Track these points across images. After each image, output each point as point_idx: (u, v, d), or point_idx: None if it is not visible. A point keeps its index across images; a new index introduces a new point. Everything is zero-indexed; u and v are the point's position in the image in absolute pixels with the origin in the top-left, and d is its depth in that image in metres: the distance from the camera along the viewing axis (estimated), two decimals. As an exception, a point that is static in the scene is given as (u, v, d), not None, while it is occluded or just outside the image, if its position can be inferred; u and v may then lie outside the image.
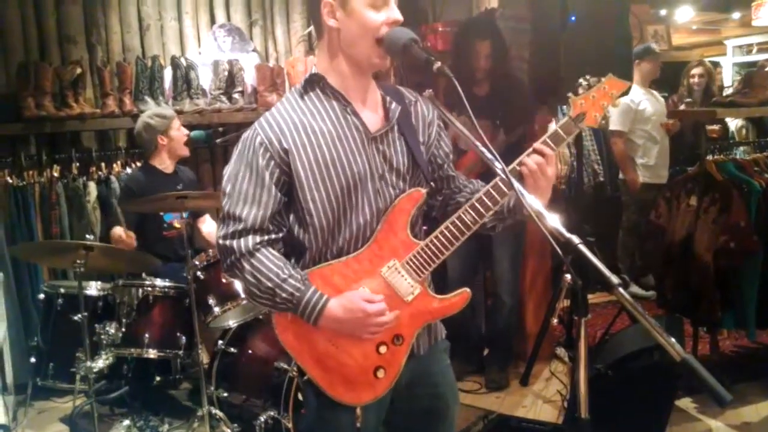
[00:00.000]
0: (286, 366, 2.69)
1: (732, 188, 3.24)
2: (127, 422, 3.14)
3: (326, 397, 1.56)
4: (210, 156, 4.51)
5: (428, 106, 1.67)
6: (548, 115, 3.67)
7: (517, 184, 1.42)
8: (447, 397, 1.72)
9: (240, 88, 4.29)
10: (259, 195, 1.51)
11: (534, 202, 1.41)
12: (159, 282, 3.15)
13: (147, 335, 3.05)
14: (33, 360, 3.26)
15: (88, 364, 2.85)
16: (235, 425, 2.92)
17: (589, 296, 1.32)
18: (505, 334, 3.67)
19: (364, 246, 1.55)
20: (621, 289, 1.21)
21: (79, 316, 2.84)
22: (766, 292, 3.28)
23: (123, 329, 3.06)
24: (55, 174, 3.85)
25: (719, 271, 3.22)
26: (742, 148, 4.44)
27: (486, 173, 1.59)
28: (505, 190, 1.51)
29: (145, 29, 4.27)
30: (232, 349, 3.01)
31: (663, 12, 6.37)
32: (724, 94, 4.71)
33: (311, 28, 4.46)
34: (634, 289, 4.88)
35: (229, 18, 4.52)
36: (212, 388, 2.98)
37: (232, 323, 3.15)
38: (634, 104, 4.64)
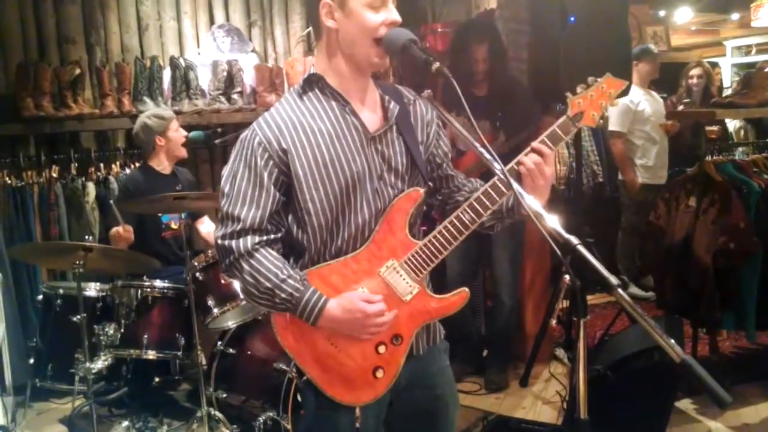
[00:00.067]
0: (285, 367, 2.68)
1: (731, 189, 3.24)
2: (126, 423, 3.13)
3: (325, 398, 1.56)
4: (209, 156, 4.52)
5: (427, 106, 1.67)
6: (555, 118, 3.67)
7: (515, 185, 1.42)
8: (446, 397, 1.72)
9: (239, 89, 4.29)
10: (258, 195, 1.51)
11: (533, 203, 1.41)
12: (158, 283, 3.14)
13: (146, 336, 3.05)
14: (32, 361, 3.25)
15: (87, 365, 2.84)
16: (234, 426, 2.92)
17: (589, 297, 1.32)
18: (505, 335, 3.67)
19: (362, 246, 1.55)
20: (620, 290, 1.21)
21: (78, 317, 2.84)
22: (766, 293, 3.28)
23: (122, 330, 3.06)
24: (54, 174, 3.85)
25: (719, 272, 3.22)
26: (740, 149, 4.44)
27: (485, 174, 1.59)
28: (504, 189, 1.51)
29: (144, 30, 4.27)
30: (231, 350, 3.01)
31: (662, 13, 6.37)
32: (724, 95, 4.71)
33: (310, 28, 4.47)
34: (634, 290, 4.88)
35: (228, 18, 4.53)
36: (211, 389, 2.97)
37: (231, 324, 3.15)
38: (633, 105, 4.65)
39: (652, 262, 3.74)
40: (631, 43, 3.53)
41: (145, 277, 3.18)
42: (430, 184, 1.67)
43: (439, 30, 4.38)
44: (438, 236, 1.53)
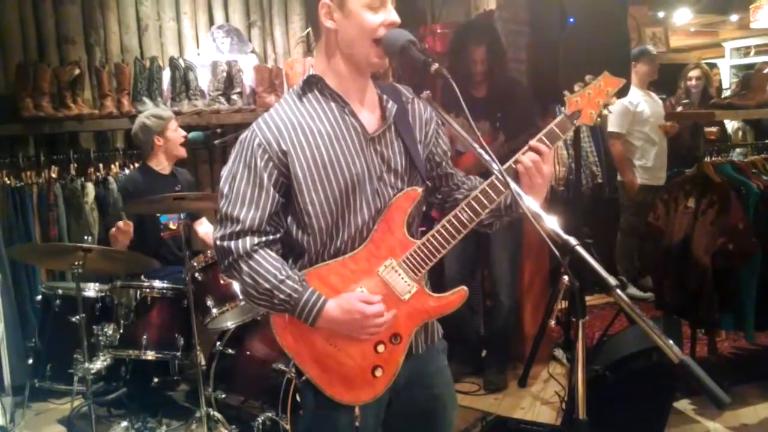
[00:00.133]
0: (284, 367, 2.68)
1: (730, 190, 3.24)
2: (125, 424, 3.13)
3: (325, 397, 1.56)
4: (208, 157, 4.52)
5: (426, 105, 1.67)
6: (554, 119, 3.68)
7: (514, 186, 1.42)
8: (444, 397, 1.72)
9: (238, 89, 4.29)
10: (257, 196, 1.51)
11: (532, 204, 1.41)
12: (157, 283, 3.14)
13: (145, 337, 3.05)
14: (31, 361, 3.25)
15: (86, 365, 2.84)
16: (233, 427, 2.92)
17: (587, 298, 1.32)
18: (504, 335, 3.68)
19: (361, 245, 1.55)
20: (619, 291, 1.21)
21: (77, 317, 2.84)
22: (765, 293, 3.28)
23: (121, 330, 3.06)
24: (53, 175, 3.85)
25: (717, 273, 3.22)
26: (738, 150, 4.45)
27: (484, 174, 1.59)
28: (502, 188, 1.52)
29: (144, 30, 4.27)
30: (230, 351, 3.01)
31: (661, 14, 6.38)
32: (723, 96, 4.71)
33: (309, 29, 4.47)
34: (632, 290, 4.89)
35: (227, 19, 4.52)
36: (210, 390, 2.97)
37: (230, 324, 3.15)
38: (632, 106, 4.65)
39: (651, 263, 3.74)
40: (630, 44, 3.54)
41: (143, 277, 3.18)
42: (429, 183, 1.67)
43: (438, 31, 4.38)
44: (436, 235, 1.53)
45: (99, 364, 2.93)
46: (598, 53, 3.03)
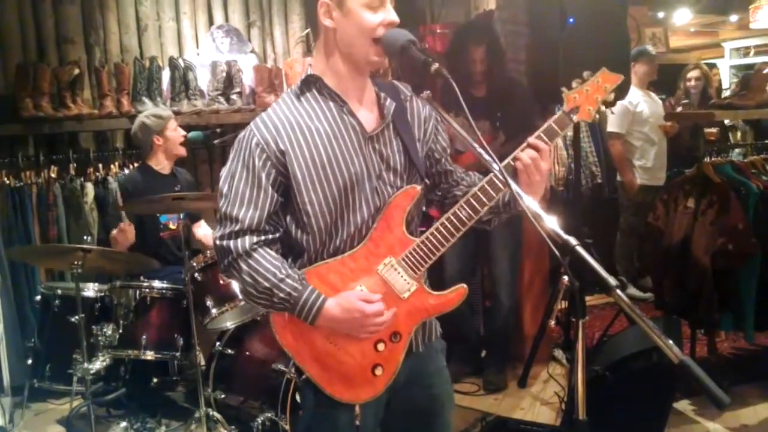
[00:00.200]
0: (283, 368, 2.68)
1: (730, 190, 3.24)
2: (124, 424, 3.13)
3: (325, 396, 1.56)
4: (208, 157, 4.52)
5: (425, 103, 1.67)
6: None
7: (514, 185, 1.42)
8: (442, 397, 1.72)
9: (238, 89, 4.29)
10: (256, 196, 1.50)
11: (531, 203, 1.40)
12: (156, 283, 3.14)
13: (144, 337, 3.04)
14: (30, 361, 3.25)
15: (85, 365, 2.84)
16: (233, 427, 2.92)
17: (587, 298, 1.32)
18: (503, 335, 3.67)
19: (360, 244, 1.55)
20: (618, 291, 1.21)
21: (77, 317, 2.84)
22: (764, 294, 3.28)
23: (120, 331, 3.06)
24: (53, 175, 3.85)
25: (717, 273, 3.22)
26: (737, 150, 4.45)
27: (484, 174, 1.59)
28: (501, 186, 1.52)
29: (143, 30, 4.27)
30: (230, 351, 3.00)
31: (661, 14, 6.39)
32: (722, 96, 4.72)
33: (309, 29, 4.47)
34: (632, 290, 4.88)
35: (227, 19, 4.53)
36: (210, 390, 2.97)
37: (229, 325, 3.15)
38: (632, 106, 4.65)
39: (651, 263, 3.74)
40: (630, 44, 3.54)
41: (142, 278, 3.18)
42: (428, 180, 1.67)
43: (438, 31, 4.38)
44: (435, 233, 1.53)
45: (98, 364, 2.93)
46: (597, 53, 3.03)
